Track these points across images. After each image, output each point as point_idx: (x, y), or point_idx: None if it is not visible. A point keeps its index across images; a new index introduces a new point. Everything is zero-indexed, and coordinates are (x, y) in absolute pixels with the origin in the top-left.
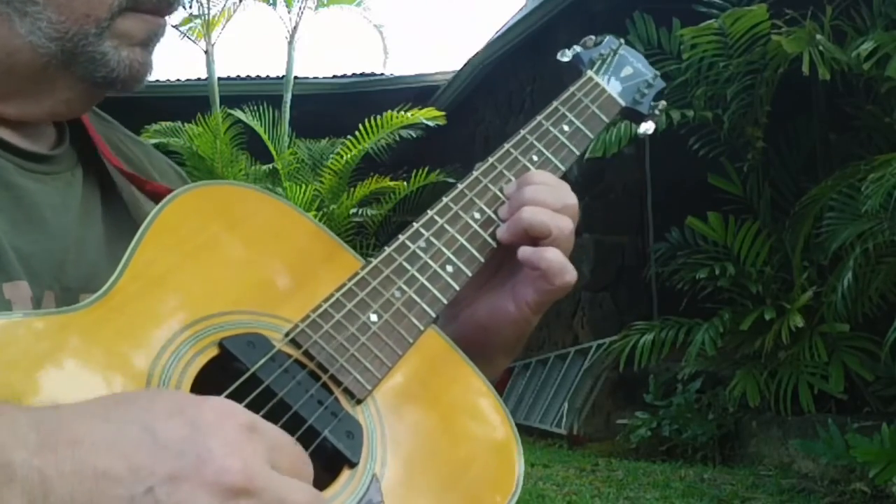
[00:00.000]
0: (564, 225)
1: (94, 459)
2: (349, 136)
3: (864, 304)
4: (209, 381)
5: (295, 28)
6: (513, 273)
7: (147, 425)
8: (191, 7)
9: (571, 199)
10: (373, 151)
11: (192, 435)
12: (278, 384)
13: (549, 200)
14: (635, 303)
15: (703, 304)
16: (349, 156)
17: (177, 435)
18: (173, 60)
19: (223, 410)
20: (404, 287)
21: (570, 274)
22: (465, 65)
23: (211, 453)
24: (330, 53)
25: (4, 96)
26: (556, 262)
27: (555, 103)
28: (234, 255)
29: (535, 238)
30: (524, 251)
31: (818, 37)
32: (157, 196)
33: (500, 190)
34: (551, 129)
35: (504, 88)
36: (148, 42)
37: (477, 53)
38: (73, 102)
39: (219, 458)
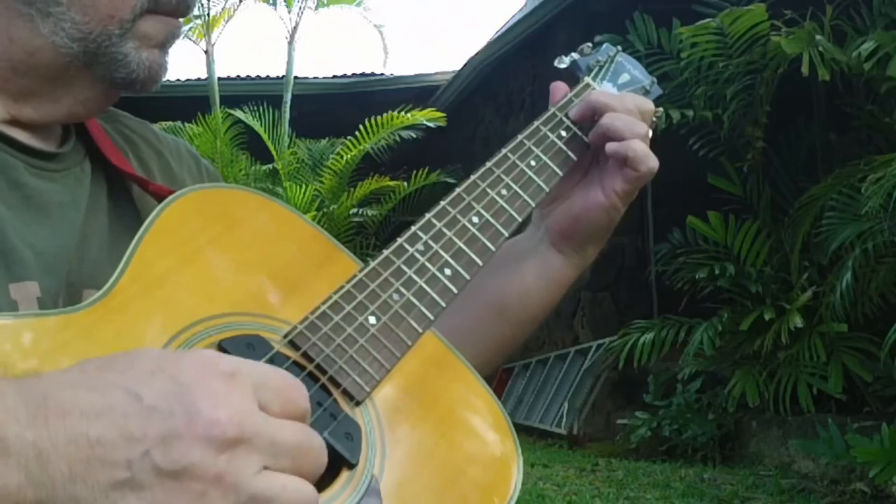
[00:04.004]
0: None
1: (87, 428)
2: (349, 137)
3: (864, 304)
4: None
5: (295, 28)
6: (601, 170)
7: (131, 389)
8: None
9: (648, 105)
10: (373, 151)
11: (177, 392)
12: None
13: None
14: (635, 303)
15: (702, 303)
16: (349, 156)
17: (162, 395)
18: (173, 60)
19: (203, 362)
20: (402, 290)
21: (654, 161)
22: (465, 65)
23: (198, 408)
24: (330, 53)
25: (22, 97)
26: (641, 150)
27: (552, 109)
28: (233, 257)
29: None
30: (611, 145)
31: (818, 37)
32: (160, 196)
33: (498, 194)
34: (549, 134)
35: (504, 88)
36: (165, 43)
37: (477, 53)
38: (90, 102)
39: (206, 411)
